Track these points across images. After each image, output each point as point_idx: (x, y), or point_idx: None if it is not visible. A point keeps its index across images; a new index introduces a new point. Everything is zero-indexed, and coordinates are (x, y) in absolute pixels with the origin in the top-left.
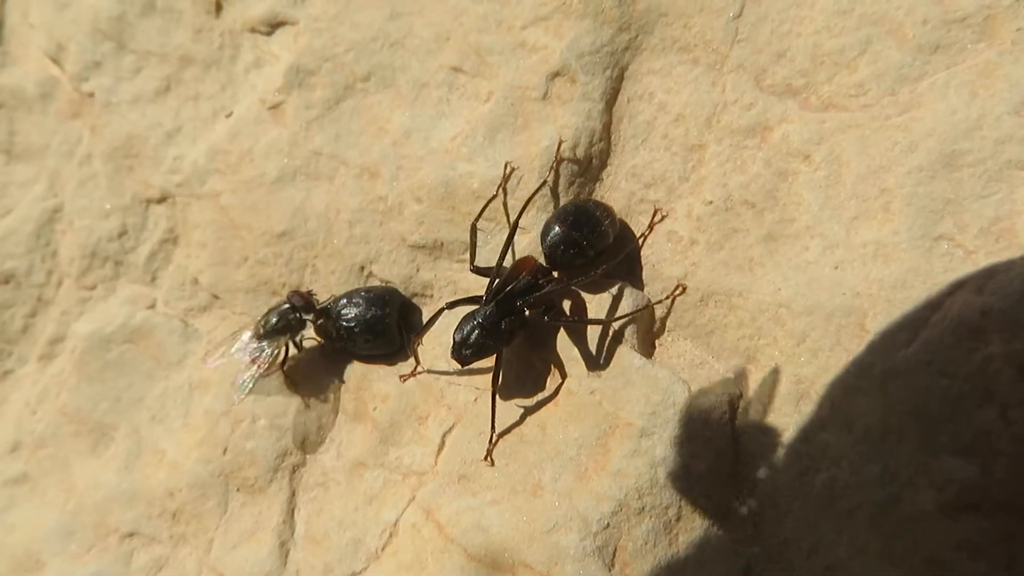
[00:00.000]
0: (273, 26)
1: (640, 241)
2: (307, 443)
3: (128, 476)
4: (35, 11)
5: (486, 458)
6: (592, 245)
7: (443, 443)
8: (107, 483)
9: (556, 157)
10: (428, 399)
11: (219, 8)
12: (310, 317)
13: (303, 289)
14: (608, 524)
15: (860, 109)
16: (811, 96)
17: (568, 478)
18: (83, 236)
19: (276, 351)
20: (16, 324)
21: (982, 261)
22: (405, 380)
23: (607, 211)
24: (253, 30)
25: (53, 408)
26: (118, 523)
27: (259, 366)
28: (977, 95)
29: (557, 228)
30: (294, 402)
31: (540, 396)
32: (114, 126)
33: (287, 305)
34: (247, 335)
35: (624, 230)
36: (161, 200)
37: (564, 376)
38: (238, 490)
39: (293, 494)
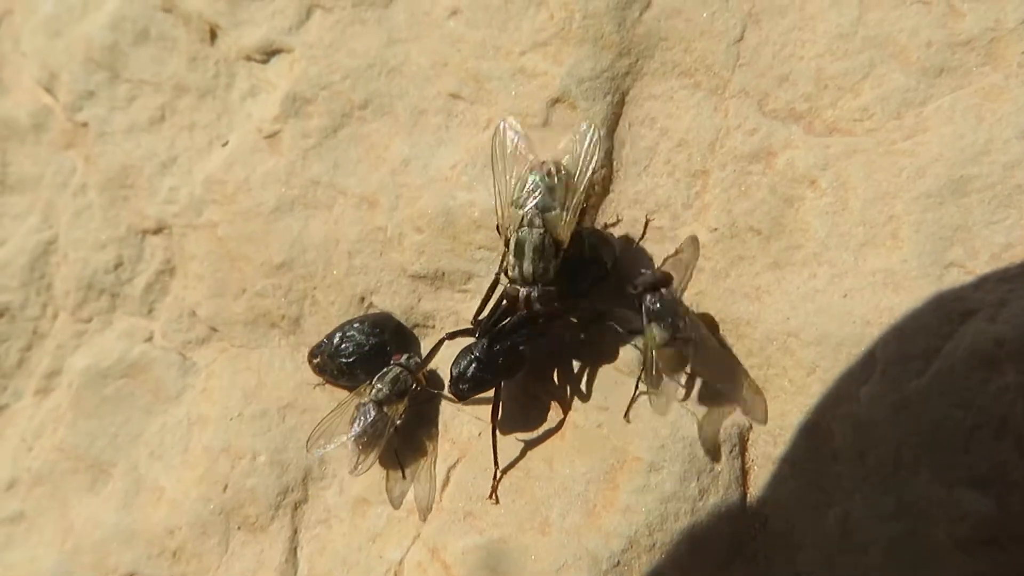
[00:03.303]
0: (269, 54)
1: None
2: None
3: (127, 514)
4: (27, 40)
5: (491, 496)
6: (589, 277)
7: (448, 479)
8: (106, 522)
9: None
10: (431, 433)
11: (214, 36)
12: (419, 387)
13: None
14: (619, 562)
15: (865, 134)
16: (815, 120)
17: (576, 515)
18: (78, 268)
19: (388, 421)
20: (11, 358)
21: (994, 288)
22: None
23: (604, 241)
24: (248, 58)
25: (50, 444)
26: (117, 563)
27: (373, 439)
28: (984, 119)
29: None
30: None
31: (546, 430)
32: (108, 156)
33: (398, 369)
34: (367, 409)
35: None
36: (157, 231)
37: (570, 409)
38: (239, 528)
39: (295, 532)
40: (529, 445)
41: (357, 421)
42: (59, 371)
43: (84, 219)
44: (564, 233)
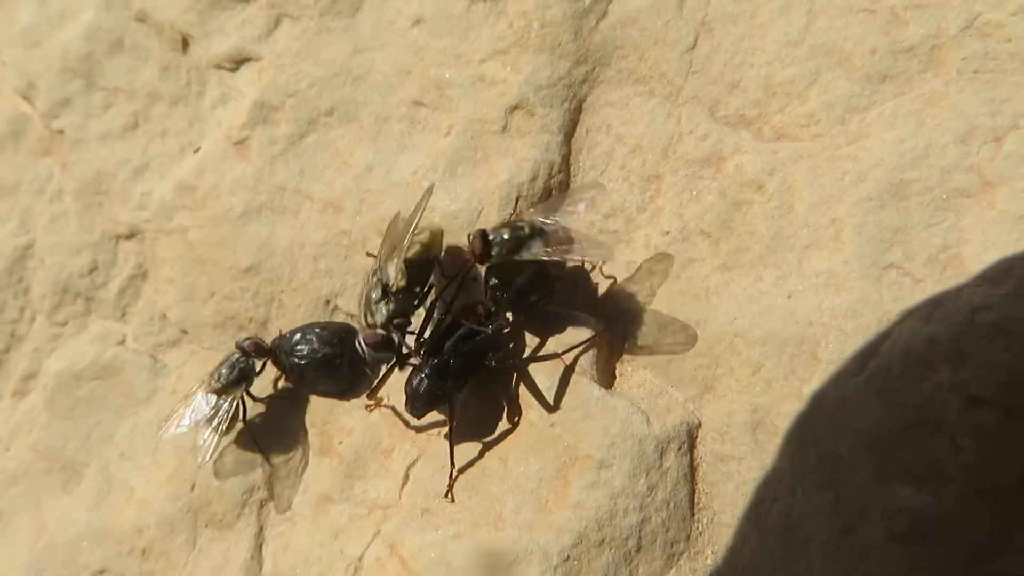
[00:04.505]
0: (238, 62)
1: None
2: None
3: (98, 514)
4: (6, 50)
5: (446, 495)
6: (535, 288)
7: (407, 477)
8: (77, 521)
9: (513, 211)
10: (393, 433)
11: (185, 45)
12: (262, 362)
13: (249, 337)
14: (568, 556)
15: (811, 139)
16: (764, 126)
17: (529, 511)
18: (54, 272)
19: (233, 405)
20: None
21: (930, 289)
22: (371, 410)
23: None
24: (219, 66)
25: (25, 445)
26: (88, 561)
27: (218, 425)
28: (924, 124)
29: (500, 276)
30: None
31: (502, 429)
32: (84, 163)
33: (237, 354)
34: (200, 396)
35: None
36: (130, 236)
37: (525, 409)
38: (206, 526)
39: (261, 529)
40: (485, 444)
41: (197, 408)
42: (35, 373)
43: (60, 224)
44: (394, 275)
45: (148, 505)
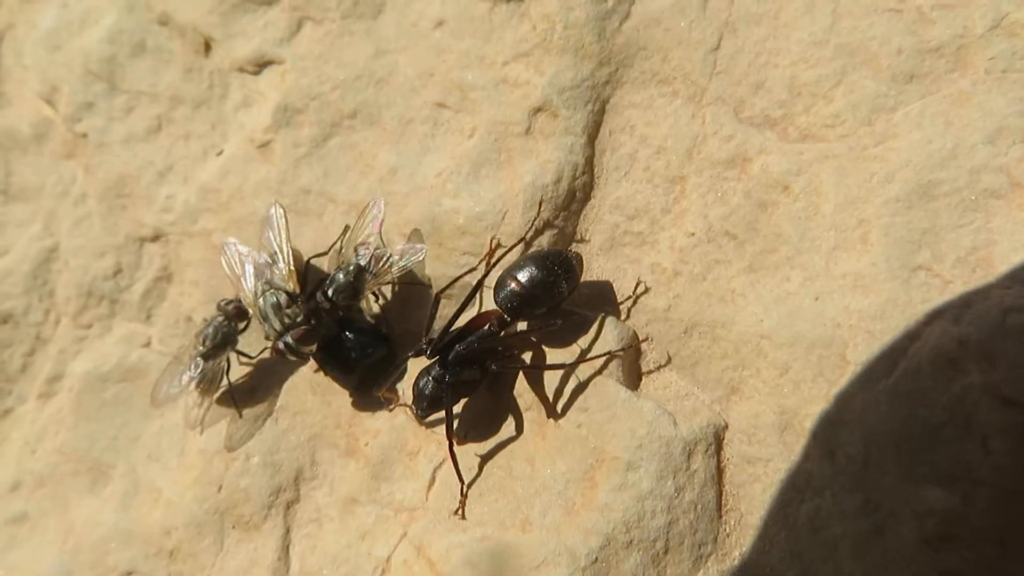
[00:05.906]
0: (261, 65)
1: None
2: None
3: (125, 515)
4: (28, 54)
5: (457, 511)
6: (547, 299)
7: (434, 478)
8: (105, 522)
9: (536, 215)
10: (418, 434)
11: (208, 48)
12: (243, 325)
13: (230, 300)
14: (596, 559)
15: (837, 140)
16: (789, 127)
17: (556, 513)
18: (79, 275)
19: (220, 368)
20: (15, 363)
21: (959, 291)
22: (391, 410)
23: (564, 261)
24: (241, 69)
25: (52, 447)
26: (116, 562)
27: (207, 390)
28: (952, 124)
29: (511, 285)
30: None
31: (528, 431)
32: (107, 166)
33: (221, 317)
34: (192, 364)
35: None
36: (154, 239)
37: (551, 410)
38: (233, 527)
39: (288, 531)
40: (511, 446)
41: (187, 372)
42: (61, 375)
43: (84, 227)
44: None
45: (175, 506)
